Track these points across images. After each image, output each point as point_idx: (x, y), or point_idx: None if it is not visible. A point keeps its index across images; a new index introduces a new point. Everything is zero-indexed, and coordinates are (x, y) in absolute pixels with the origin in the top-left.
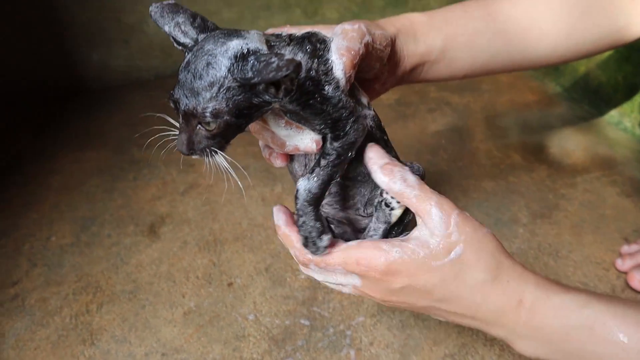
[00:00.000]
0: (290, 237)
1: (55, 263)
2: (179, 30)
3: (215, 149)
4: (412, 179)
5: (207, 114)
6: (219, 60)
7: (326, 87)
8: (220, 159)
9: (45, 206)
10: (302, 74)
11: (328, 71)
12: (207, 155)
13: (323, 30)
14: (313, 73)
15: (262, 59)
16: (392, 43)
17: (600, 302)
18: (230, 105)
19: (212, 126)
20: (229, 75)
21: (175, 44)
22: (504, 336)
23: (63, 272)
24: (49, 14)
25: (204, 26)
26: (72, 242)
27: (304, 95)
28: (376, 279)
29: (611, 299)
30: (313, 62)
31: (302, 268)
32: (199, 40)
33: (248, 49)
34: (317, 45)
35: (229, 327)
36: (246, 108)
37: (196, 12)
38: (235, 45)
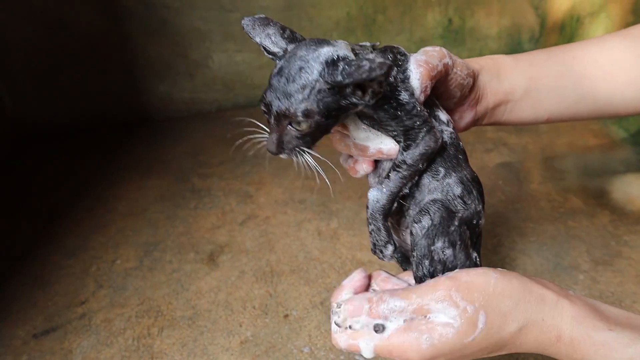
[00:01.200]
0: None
1: (120, 285)
2: (270, 40)
3: (304, 148)
4: (397, 303)
5: (299, 114)
6: (311, 64)
7: (402, 94)
8: (308, 157)
9: (111, 230)
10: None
11: (405, 79)
12: (296, 155)
13: None
14: (391, 79)
15: (353, 62)
16: (475, 76)
17: None
18: (321, 106)
19: (303, 126)
20: (320, 78)
21: (265, 53)
22: None
23: (127, 294)
24: (122, 48)
25: (293, 37)
26: (136, 266)
27: (381, 99)
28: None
29: None
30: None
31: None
32: (289, 49)
33: (338, 55)
34: (397, 56)
35: (285, 359)
36: (335, 109)
37: (283, 25)
38: (326, 51)
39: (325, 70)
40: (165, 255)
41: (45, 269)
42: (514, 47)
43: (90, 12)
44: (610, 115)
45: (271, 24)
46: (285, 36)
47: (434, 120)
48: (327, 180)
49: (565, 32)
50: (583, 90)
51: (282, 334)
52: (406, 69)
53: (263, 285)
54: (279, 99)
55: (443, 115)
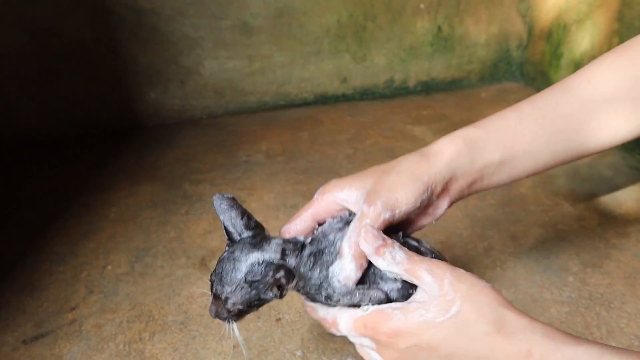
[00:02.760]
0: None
1: (111, 291)
2: (230, 223)
3: (233, 320)
4: (400, 255)
5: (228, 302)
6: (240, 266)
7: (328, 290)
8: (235, 328)
9: (101, 236)
10: (295, 282)
11: (331, 277)
12: (228, 323)
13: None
14: (315, 280)
15: (266, 269)
16: (431, 186)
17: (612, 354)
18: (244, 299)
19: (230, 309)
20: (244, 278)
21: (224, 232)
22: None
23: (118, 299)
24: (112, 55)
25: (248, 224)
26: (127, 272)
27: (309, 294)
28: (384, 342)
29: (625, 352)
30: (316, 270)
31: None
32: (241, 237)
33: (263, 260)
34: (323, 258)
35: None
36: (255, 300)
37: (245, 209)
38: (253, 256)
39: (249, 272)
40: (156, 260)
41: (35, 276)
42: (503, 54)
43: (80, 19)
44: (588, 155)
45: (234, 207)
46: (244, 222)
47: (377, 287)
48: (244, 350)
49: (553, 39)
50: (556, 146)
51: (275, 338)
52: (331, 270)
53: None
54: (217, 284)
55: (390, 273)
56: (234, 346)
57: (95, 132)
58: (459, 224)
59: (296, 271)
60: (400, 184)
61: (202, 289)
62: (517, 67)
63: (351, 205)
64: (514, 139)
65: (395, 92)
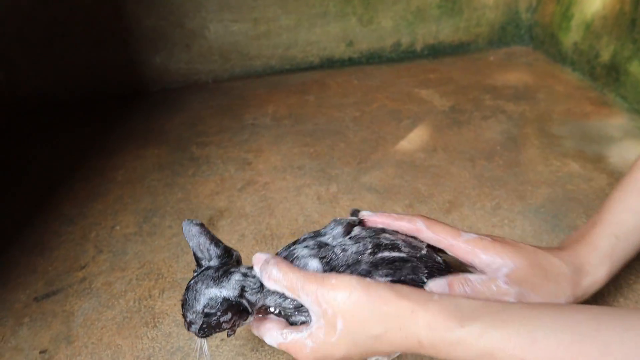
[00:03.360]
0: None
1: (120, 250)
2: (199, 249)
3: (202, 337)
4: (276, 273)
5: (191, 326)
6: (200, 299)
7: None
8: (205, 344)
9: (109, 198)
10: (250, 318)
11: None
12: (199, 338)
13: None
14: (287, 304)
15: (221, 306)
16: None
17: (496, 328)
18: (203, 326)
19: (195, 332)
20: (202, 310)
21: (194, 258)
22: None
23: (127, 259)
24: (117, 19)
25: (216, 252)
26: (135, 232)
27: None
28: None
29: (507, 322)
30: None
31: None
32: (209, 263)
33: (219, 296)
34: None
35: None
36: (214, 328)
37: (214, 236)
38: (212, 292)
39: (206, 306)
40: (164, 220)
41: (45, 236)
42: (511, 16)
43: None
44: None
45: (204, 233)
46: (212, 249)
47: None
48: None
49: (563, 0)
50: None
51: None
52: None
53: (263, 247)
54: (183, 308)
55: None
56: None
57: (101, 97)
58: (467, 184)
59: (254, 306)
60: (547, 292)
61: None
62: (526, 30)
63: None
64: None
65: (402, 56)
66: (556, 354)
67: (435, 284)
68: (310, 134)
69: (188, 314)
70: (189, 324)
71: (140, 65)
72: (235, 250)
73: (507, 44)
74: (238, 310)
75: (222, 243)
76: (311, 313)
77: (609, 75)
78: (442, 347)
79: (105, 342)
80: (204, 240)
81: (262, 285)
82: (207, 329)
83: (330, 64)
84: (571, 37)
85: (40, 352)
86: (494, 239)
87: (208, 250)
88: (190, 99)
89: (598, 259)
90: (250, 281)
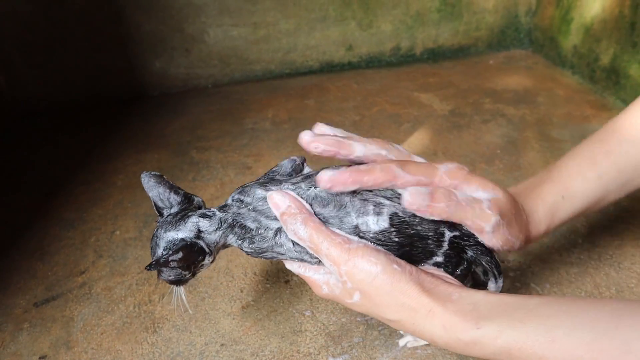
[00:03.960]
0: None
1: (120, 255)
2: (159, 198)
3: (177, 285)
4: (302, 231)
5: (160, 274)
6: (160, 244)
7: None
8: (182, 292)
9: (109, 202)
10: (210, 258)
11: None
12: (175, 287)
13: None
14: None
15: (174, 247)
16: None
17: (513, 328)
18: (169, 273)
19: (165, 279)
20: (163, 252)
21: (154, 208)
22: None
23: (127, 263)
24: (116, 24)
25: (176, 200)
26: (135, 237)
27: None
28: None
29: (524, 321)
30: (236, 240)
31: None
32: (170, 212)
33: (176, 238)
34: (243, 231)
35: (286, 322)
36: (182, 273)
37: (173, 184)
38: (169, 235)
39: (165, 250)
40: None
41: (45, 241)
42: (511, 20)
43: None
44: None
45: (162, 183)
46: (171, 196)
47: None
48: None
49: (562, 3)
50: (623, 179)
51: (284, 299)
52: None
53: None
54: (151, 255)
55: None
56: (243, 307)
57: (101, 101)
58: None
59: (214, 246)
60: (515, 231)
61: None
62: (525, 34)
63: None
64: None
65: (401, 60)
66: (576, 352)
67: (416, 192)
68: None
69: (152, 264)
70: (157, 272)
71: (140, 69)
72: (196, 196)
73: (507, 47)
74: (191, 249)
75: (182, 190)
76: (332, 276)
77: (609, 79)
78: (457, 346)
79: (105, 347)
80: (162, 190)
81: (221, 225)
82: (174, 275)
83: (329, 68)
84: (571, 40)
85: (40, 358)
86: (470, 171)
87: (168, 199)
88: (190, 103)
89: (543, 212)
90: (207, 222)
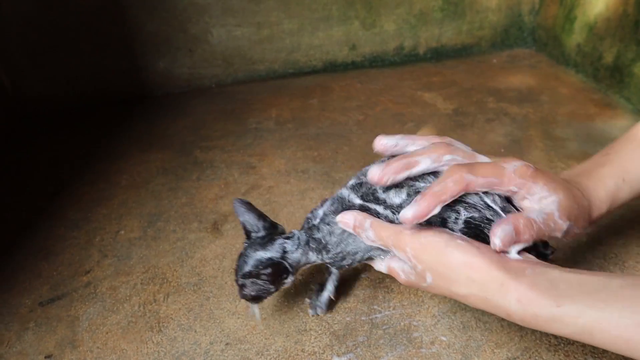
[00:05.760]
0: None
1: (124, 255)
2: (248, 224)
3: (253, 303)
4: (370, 233)
5: (243, 289)
6: (249, 261)
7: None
8: (256, 309)
9: (113, 202)
10: (291, 276)
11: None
12: (251, 304)
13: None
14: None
15: (263, 265)
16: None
17: (596, 309)
18: (253, 288)
19: (246, 294)
20: (252, 269)
21: (243, 230)
22: None
23: (131, 263)
24: (120, 24)
25: (264, 225)
26: (140, 236)
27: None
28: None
29: (608, 303)
30: (316, 254)
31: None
32: (257, 235)
33: (264, 258)
34: (316, 242)
35: (291, 321)
36: (264, 289)
37: (261, 212)
38: (258, 254)
39: (253, 267)
40: (169, 225)
41: (49, 241)
42: (514, 19)
43: None
44: None
45: (252, 210)
46: (259, 222)
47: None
48: (261, 326)
49: (565, 1)
50: None
51: (288, 298)
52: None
53: None
54: (236, 274)
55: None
56: (248, 306)
57: (105, 102)
58: None
59: (296, 263)
60: (581, 225)
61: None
62: (528, 33)
63: None
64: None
65: (405, 59)
66: None
67: (503, 232)
68: (314, 137)
69: (239, 279)
70: (240, 287)
71: (144, 70)
72: (280, 225)
73: (510, 46)
74: (278, 268)
75: (269, 218)
76: (406, 264)
77: (613, 77)
78: (534, 322)
79: (110, 346)
80: (252, 216)
81: (300, 243)
82: (257, 291)
83: (333, 68)
84: (574, 39)
85: (46, 357)
86: (535, 169)
87: (256, 224)
88: (193, 103)
89: (605, 195)
90: (290, 243)
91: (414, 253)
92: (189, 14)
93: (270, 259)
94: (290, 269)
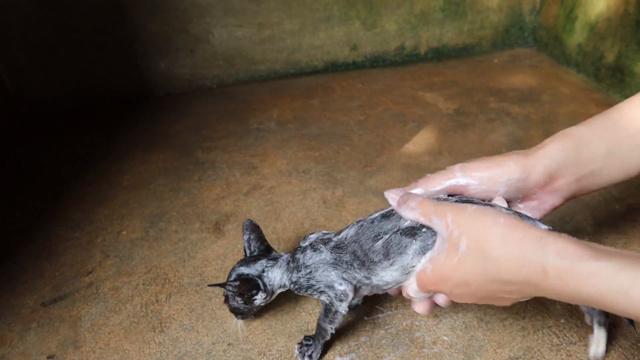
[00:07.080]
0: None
1: (126, 255)
2: (248, 244)
3: (238, 319)
4: (413, 203)
5: (226, 300)
6: (232, 274)
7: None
8: (240, 324)
9: (115, 203)
10: (264, 294)
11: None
12: (236, 319)
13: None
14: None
15: (236, 283)
16: (545, 172)
17: (634, 267)
18: (232, 302)
19: (230, 308)
20: (224, 282)
21: (243, 249)
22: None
23: (133, 263)
24: (121, 24)
25: (259, 247)
26: (142, 237)
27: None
28: (434, 290)
29: None
30: (293, 274)
31: None
32: (252, 254)
33: (244, 272)
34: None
35: (293, 321)
36: (242, 304)
37: (263, 236)
38: (240, 270)
39: (229, 279)
40: (170, 225)
41: (52, 241)
42: (515, 19)
43: None
44: None
45: (255, 231)
46: (257, 244)
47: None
48: (242, 341)
49: (567, 2)
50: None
51: (290, 298)
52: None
53: None
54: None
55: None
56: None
57: (107, 102)
58: None
59: (272, 282)
60: (489, 159)
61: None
62: (529, 33)
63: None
64: (617, 132)
65: (406, 59)
66: None
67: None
68: (316, 137)
69: (225, 290)
70: (224, 298)
71: (145, 70)
72: (275, 251)
73: (511, 46)
74: (248, 282)
75: (267, 242)
76: (437, 237)
77: (614, 77)
78: (571, 277)
79: (113, 347)
80: (254, 237)
81: (282, 265)
82: (235, 304)
83: (334, 68)
84: (575, 38)
85: (48, 358)
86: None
87: (255, 245)
88: (195, 103)
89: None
90: (271, 262)
91: (453, 218)
92: (190, 15)
93: (243, 274)
94: (262, 287)
